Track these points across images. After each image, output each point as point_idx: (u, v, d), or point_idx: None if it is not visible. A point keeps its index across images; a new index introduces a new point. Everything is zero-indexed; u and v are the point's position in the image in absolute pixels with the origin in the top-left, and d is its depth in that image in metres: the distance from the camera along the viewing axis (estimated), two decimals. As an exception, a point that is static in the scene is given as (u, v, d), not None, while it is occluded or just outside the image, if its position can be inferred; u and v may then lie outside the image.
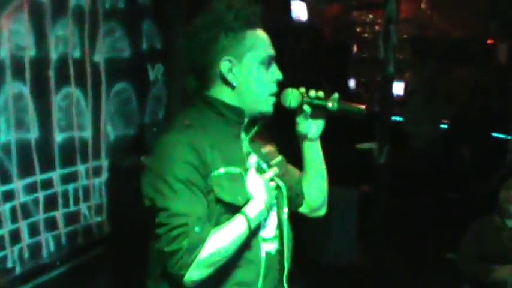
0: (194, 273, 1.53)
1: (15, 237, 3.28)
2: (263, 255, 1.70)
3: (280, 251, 1.78)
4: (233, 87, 1.68)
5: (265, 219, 1.72)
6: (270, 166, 1.80)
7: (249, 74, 1.68)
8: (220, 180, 1.61)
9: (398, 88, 8.32)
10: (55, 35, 3.43)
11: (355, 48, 10.45)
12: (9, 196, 3.21)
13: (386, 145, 4.69)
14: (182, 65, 1.76)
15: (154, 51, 4.37)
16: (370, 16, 10.42)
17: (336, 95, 1.74)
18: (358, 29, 10.63)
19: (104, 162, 3.96)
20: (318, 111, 1.77)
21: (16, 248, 3.30)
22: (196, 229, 1.53)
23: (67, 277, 3.58)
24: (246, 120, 1.71)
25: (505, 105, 6.91)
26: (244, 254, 1.66)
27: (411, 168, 5.78)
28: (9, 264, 3.27)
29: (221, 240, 1.57)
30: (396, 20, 4.71)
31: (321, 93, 1.75)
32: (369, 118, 4.59)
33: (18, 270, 3.32)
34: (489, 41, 9.00)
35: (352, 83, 9.59)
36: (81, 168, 3.76)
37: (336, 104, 1.73)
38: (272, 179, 1.73)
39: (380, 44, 4.85)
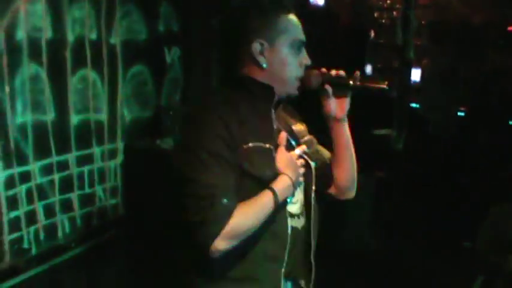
0: (219, 244, 1.55)
1: (31, 218, 3.31)
2: (289, 230, 1.71)
3: (306, 228, 1.79)
4: (263, 69, 1.69)
5: (292, 195, 1.72)
6: (299, 144, 1.80)
7: (280, 58, 1.69)
8: (248, 154, 1.62)
9: (415, 74, 8.25)
10: (72, 17, 3.42)
11: (372, 34, 10.37)
12: (25, 177, 3.24)
13: (404, 131, 4.65)
14: (213, 44, 1.78)
15: (171, 34, 4.35)
16: (388, 1, 10.32)
17: (357, 73, 1.74)
18: (375, 15, 10.54)
19: (120, 145, 3.97)
20: (340, 90, 1.78)
21: (32, 229, 3.33)
22: (223, 201, 1.55)
23: (82, 258, 3.61)
24: (276, 96, 1.72)
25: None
26: (270, 227, 1.67)
27: (428, 155, 5.74)
28: (25, 245, 3.30)
29: (247, 213, 1.59)
30: (415, 4, 4.66)
31: (341, 72, 1.75)
32: (386, 104, 4.58)
33: (34, 251, 3.35)
34: (509, 27, 8.87)
35: (368, 69, 9.55)
36: (96, 150, 3.77)
37: (357, 82, 1.73)
38: (301, 156, 1.74)
39: (398, 29, 4.79)
